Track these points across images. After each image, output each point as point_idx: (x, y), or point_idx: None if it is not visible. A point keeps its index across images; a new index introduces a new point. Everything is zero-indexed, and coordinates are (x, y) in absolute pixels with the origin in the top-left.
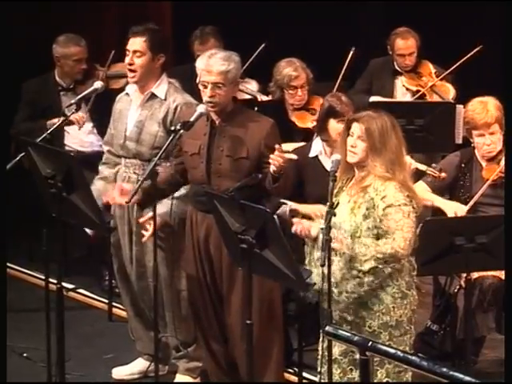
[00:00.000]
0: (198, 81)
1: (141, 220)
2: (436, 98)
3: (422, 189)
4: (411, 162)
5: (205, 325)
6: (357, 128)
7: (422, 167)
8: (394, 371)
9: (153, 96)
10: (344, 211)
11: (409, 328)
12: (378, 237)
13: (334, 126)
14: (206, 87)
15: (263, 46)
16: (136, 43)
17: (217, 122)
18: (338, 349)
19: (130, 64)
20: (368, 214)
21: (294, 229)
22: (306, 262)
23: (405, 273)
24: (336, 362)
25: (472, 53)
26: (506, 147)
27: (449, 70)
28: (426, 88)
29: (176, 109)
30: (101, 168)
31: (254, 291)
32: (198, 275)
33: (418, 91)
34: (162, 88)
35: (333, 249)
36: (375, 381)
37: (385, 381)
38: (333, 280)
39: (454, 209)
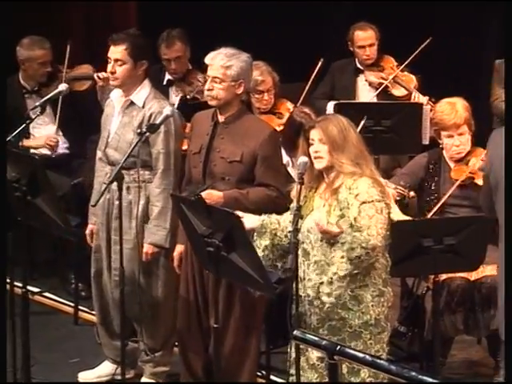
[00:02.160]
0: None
1: None
2: (400, 89)
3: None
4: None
5: (184, 329)
6: (315, 133)
7: (391, 185)
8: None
9: (132, 103)
10: (320, 216)
11: (385, 325)
12: None
13: None
14: (207, 80)
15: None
16: (116, 52)
17: (220, 122)
18: (315, 354)
19: (112, 73)
20: (342, 213)
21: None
22: None
23: (381, 270)
24: (313, 368)
25: (423, 45)
26: (506, 146)
27: (406, 62)
28: (389, 80)
29: (150, 117)
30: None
31: (239, 292)
32: (187, 280)
33: (380, 84)
34: (142, 95)
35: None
36: (358, 381)
37: (368, 380)
38: (309, 286)
39: None
